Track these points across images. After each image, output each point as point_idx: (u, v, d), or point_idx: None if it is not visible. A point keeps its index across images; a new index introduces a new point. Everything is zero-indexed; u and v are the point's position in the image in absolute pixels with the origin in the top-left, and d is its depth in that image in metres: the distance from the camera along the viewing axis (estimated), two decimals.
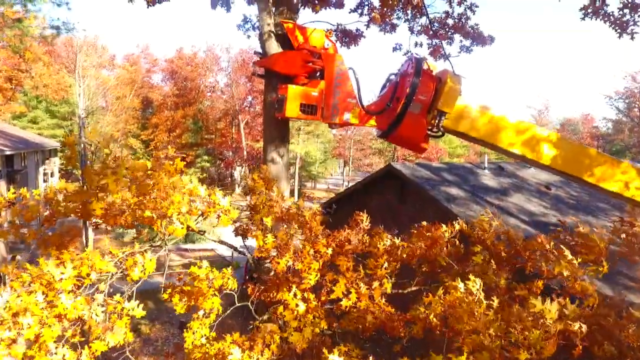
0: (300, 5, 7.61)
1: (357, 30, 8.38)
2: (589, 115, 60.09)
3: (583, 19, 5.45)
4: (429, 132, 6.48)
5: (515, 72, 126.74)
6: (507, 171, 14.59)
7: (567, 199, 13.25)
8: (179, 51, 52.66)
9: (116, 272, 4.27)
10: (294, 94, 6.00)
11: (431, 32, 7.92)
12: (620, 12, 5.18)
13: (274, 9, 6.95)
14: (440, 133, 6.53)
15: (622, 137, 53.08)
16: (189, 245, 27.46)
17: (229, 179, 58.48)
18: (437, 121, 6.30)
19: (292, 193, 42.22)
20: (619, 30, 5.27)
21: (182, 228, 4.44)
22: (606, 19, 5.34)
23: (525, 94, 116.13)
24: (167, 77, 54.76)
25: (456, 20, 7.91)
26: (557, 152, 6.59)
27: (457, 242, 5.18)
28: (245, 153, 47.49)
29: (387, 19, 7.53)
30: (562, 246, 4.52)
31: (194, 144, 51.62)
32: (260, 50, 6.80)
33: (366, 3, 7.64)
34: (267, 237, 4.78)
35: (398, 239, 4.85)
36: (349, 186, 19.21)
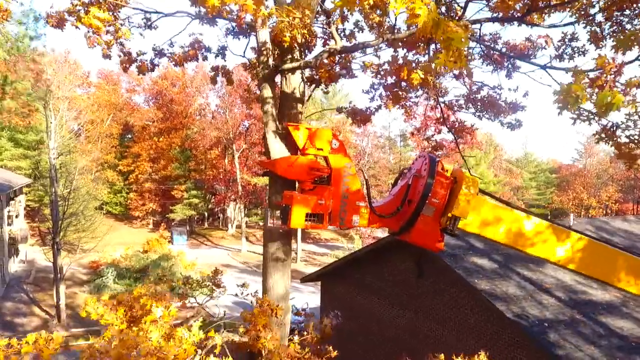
0: (309, 92, 8.43)
1: (368, 109, 9.25)
2: None
3: (597, 142, 6.25)
4: (443, 232, 7.25)
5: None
6: None
7: None
8: (165, 68, 54.01)
9: None
10: (299, 204, 6.74)
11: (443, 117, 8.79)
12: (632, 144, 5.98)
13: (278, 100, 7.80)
14: (456, 234, 7.30)
15: None
16: None
17: (221, 216, 59.29)
18: (451, 224, 7.09)
19: (295, 235, 42.71)
20: (627, 164, 6.12)
21: None
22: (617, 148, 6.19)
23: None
24: (151, 98, 56.25)
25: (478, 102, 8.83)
26: (580, 257, 7.32)
27: None
28: (240, 188, 48.24)
29: (399, 104, 8.36)
30: None
31: (181, 176, 52.69)
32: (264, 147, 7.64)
33: (376, 87, 8.49)
34: None
35: None
36: (357, 250, 19.52)
